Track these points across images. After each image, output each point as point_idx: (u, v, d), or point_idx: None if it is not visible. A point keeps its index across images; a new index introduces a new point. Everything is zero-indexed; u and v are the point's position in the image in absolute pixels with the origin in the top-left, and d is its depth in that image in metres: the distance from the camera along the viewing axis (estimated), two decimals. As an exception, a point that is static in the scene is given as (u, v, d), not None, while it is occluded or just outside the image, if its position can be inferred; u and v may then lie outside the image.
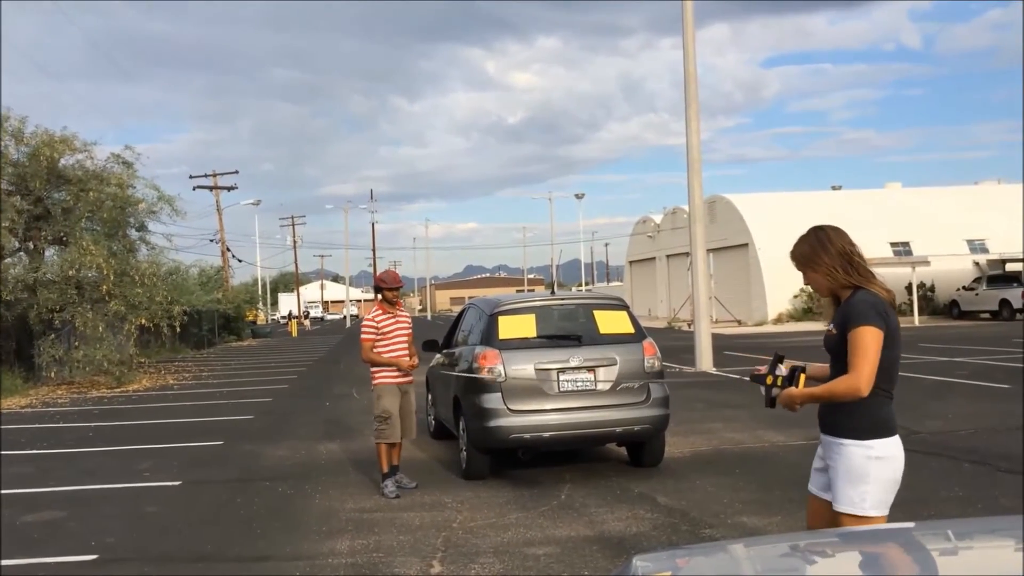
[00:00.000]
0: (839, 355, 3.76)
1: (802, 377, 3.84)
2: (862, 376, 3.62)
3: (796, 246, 3.96)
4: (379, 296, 8.74)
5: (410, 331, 8.70)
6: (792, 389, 3.85)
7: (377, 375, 8.61)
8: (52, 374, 21.79)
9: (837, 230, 3.89)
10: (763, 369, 3.98)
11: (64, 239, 22.50)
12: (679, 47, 20.58)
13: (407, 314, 8.86)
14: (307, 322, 79.61)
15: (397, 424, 8.45)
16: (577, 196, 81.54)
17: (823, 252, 3.83)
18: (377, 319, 8.57)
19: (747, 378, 4.15)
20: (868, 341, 3.63)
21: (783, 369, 3.92)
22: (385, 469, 8.53)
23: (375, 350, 8.55)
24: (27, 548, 7.09)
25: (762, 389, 3.95)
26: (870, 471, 3.68)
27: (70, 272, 21.09)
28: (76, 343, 21.71)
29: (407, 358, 8.54)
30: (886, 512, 3.71)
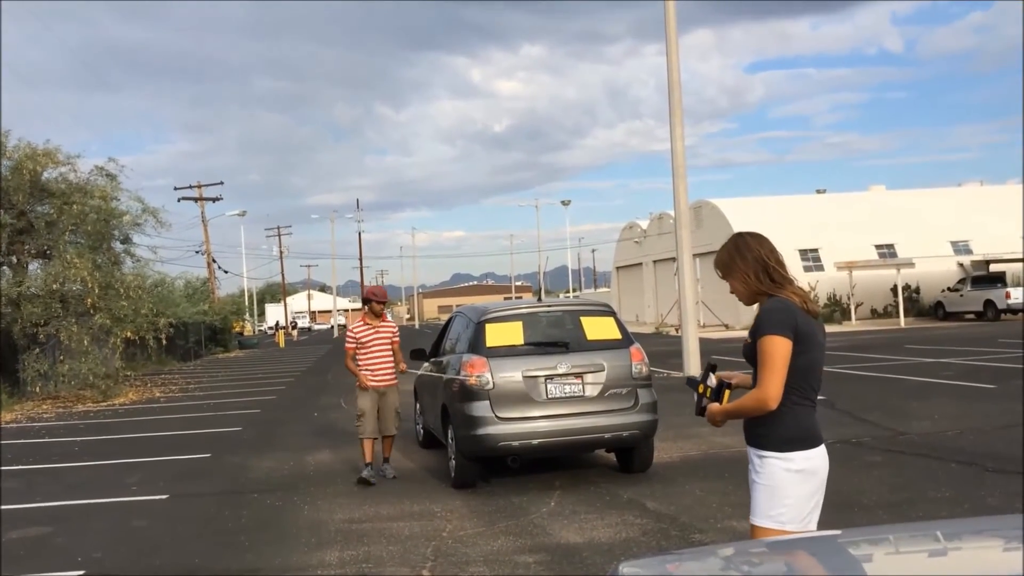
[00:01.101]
0: (755, 364, 3.66)
1: (727, 393, 3.78)
2: (768, 389, 3.52)
3: (718, 253, 3.85)
4: (366, 307, 9.68)
5: (395, 339, 9.63)
6: (715, 405, 3.78)
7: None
8: (37, 389, 21.63)
9: (758, 237, 3.78)
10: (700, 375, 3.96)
11: (48, 252, 22.39)
12: (663, 53, 20.64)
13: (392, 324, 9.70)
14: (294, 333, 79.41)
15: (369, 421, 9.43)
16: (563, 203, 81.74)
17: (740, 259, 3.73)
18: (356, 331, 9.58)
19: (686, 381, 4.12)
20: (773, 351, 3.52)
21: (713, 380, 3.85)
22: (368, 460, 9.44)
23: (356, 358, 9.56)
24: (13, 565, 7.03)
25: (694, 396, 3.91)
26: (789, 485, 3.55)
27: (54, 286, 20.98)
28: (61, 357, 21.58)
29: (369, 375, 9.44)
30: (808, 527, 3.56)
